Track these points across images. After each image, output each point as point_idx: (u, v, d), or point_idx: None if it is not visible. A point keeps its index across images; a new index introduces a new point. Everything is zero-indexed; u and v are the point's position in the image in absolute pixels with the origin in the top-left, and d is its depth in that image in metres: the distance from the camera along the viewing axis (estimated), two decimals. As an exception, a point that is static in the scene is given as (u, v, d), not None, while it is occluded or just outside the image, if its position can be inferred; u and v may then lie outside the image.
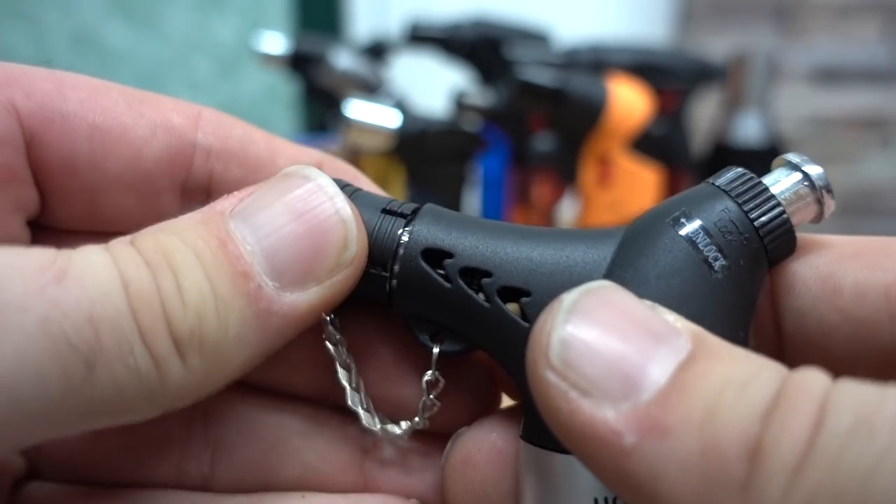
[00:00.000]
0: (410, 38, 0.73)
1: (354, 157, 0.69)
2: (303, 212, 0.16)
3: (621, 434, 0.12)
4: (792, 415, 0.12)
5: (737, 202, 0.16)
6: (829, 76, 1.57)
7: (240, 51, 1.70)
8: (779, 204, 0.16)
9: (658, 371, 0.13)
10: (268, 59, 0.75)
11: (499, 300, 0.17)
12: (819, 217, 0.17)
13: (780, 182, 0.16)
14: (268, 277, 0.15)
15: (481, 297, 0.17)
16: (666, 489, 0.12)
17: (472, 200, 0.71)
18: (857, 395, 0.12)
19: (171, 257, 0.15)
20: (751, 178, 0.16)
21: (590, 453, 0.13)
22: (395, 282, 0.17)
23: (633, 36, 0.82)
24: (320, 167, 0.19)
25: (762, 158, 0.66)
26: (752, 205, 0.16)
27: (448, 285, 0.17)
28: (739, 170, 0.17)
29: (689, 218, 0.16)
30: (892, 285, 0.16)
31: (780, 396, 0.12)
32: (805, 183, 0.16)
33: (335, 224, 0.16)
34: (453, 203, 0.59)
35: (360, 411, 0.18)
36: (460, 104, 0.64)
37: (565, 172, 0.62)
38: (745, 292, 0.16)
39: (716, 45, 1.50)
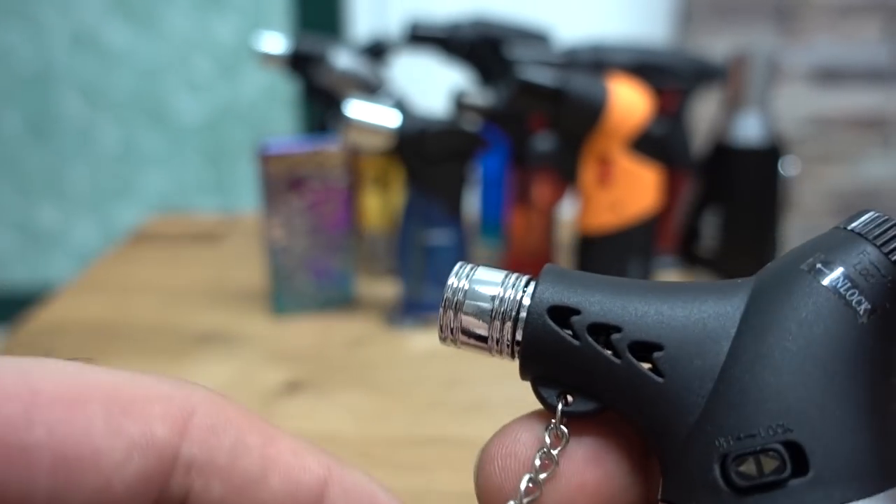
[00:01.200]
0: (410, 38, 0.73)
1: (354, 157, 0.69)
2: None
3: None
4: None
5: (875, 245, 0.15)
6: (829, 76, 1.57)
7: (240, 51, 1.70)
8: None
9: None
10: (268, 59, 0.75)
11: (630, 356, 0.16)
12: None
13: None
14: None
15: (611, 353, 0.16)
16: None
17: (473, 200, 0.71)
18: None
19: None
20: (886, 220, 0.16)
21: None
22: (520, 344, 0.17)
23: (633, 36, 0.82)
24: (324, 483, 0.18)
25: (762, 158, 0.66)
26: (892, 246, 0.15)
27: (577, 343, 0.17)
28: (872, 212, 0.16)
29: (827, 264, 0.16)
30: None
31: None
32: None
33: None
34: (453, 203, 0.59)
35: None
36: (460, 104, 0.64)
37: (565, 172, 0.62)
38: (892, 336, 0.15)
39: (716, 45, 1.50)
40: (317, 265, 0.62)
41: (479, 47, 0.72)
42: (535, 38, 0.73)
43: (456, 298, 0.18)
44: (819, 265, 0.16)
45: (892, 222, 0.16)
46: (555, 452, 0.17)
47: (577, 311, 0.17)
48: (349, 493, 0.18)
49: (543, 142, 0.66)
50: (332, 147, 0.60)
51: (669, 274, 0.70)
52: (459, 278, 0.18)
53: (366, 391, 0.51)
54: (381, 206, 0.70)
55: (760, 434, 0.14)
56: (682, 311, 0.16)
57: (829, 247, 0.16)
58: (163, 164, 1.79)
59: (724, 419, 0.15)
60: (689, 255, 0.70)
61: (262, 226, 0.62)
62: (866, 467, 0.14)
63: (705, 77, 0.66)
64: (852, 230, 0.16)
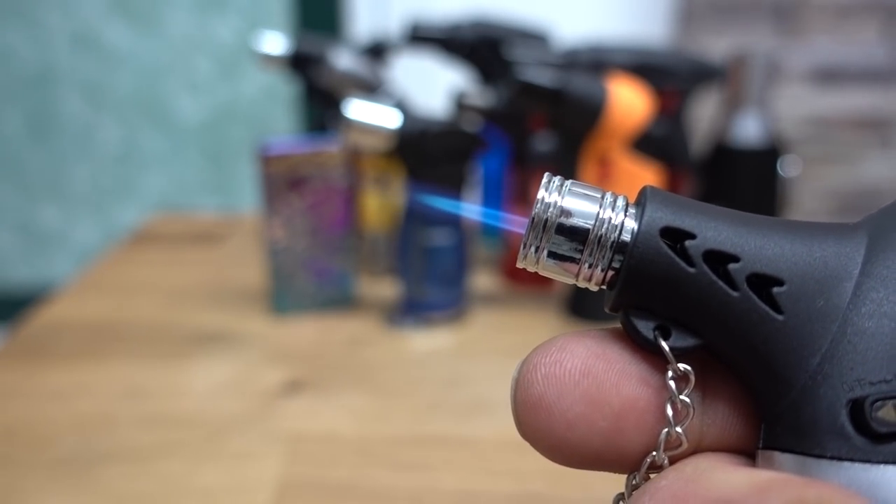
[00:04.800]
0: (410, 38, 0.73)
1: (354, 157, 0.69)
2: None
3: None
4: None
5: None
6: (829, 76, 1.57)
7: (240, 51, 1.70)
8: None
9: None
10: (268, 59, 0.75)
11: (748, 288, 0.15)
12: None
13: None
14: None
15: (727, 284, 0.15)
16: None
17: (472, 200, 0.71)
18: None
19: None
20: None
21: None
22: (620, 270, 0.16)
23: (633, 36, 0.82)
24: None
25: (762, 158, 0.66)
26: None
27: (691, 270, 0.15)
28: None
29: None
30: None
31: None
32: None
33: None
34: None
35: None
36: (460, 104, 0.64)
37: (565, 172, 0.62)
38: None
39: (716, 45, 1.50)
40: (317, 265, 0.63)
41: (479, 47, 0.72)
42: (535, 38, 0.73)
43: (548, 215, 0.16)
44: None
45: None
46: (686, 398, 0.16)
47: (692, 236, 0.15)
48: None
49: (543, 142, 0.66)
50: (332, 147, 0.60)
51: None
52: (551, 192, 0.16)
53: (366, 391, 0.51)
54: (381, 206, 0.70)
55: None
56: (802, 247, 0.15)
57: None
58: (163, 164, 1.79)
59: (852, 363, 0.14)
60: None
61: (263, 226, 0.62)
62: None
63: (705, 77, 0.66)
64: None
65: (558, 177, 0.16)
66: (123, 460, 0.43)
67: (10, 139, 1.77)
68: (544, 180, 0.16)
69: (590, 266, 0.16)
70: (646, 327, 0.16)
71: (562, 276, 0.16)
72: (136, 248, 0.81)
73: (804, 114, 1.58)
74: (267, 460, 0.43)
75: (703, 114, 0.92)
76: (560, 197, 0.16)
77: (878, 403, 0.14)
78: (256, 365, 0.55)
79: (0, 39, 1.70)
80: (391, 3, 1.64)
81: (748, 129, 0.65)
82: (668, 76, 0.63)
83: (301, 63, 0.74)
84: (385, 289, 0.68)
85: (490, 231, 0.78)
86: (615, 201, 0.16)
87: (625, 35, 0.78)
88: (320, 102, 0.76)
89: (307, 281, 0.62)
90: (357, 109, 0.54)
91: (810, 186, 1.60)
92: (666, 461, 0.16)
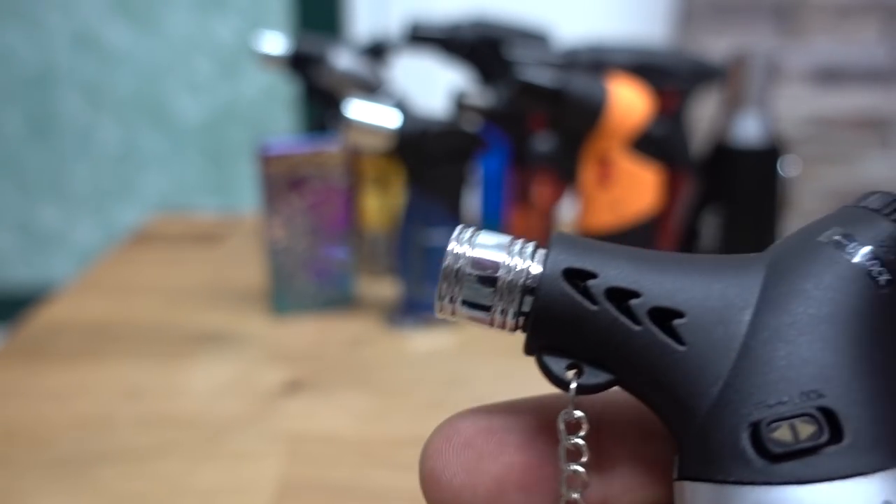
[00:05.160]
0: (410, 38, 0.73)
1: (354, 157, 0.69)
2: None
3: None
4: None
5: (890, 219, 0.16)
6: (829, 76, 1.57)
7: (240, 51, 1.70)
8: None
9: None
10: (268, 59, 0.75)
11: (650, 322, 0.15)
12: None
13: None
14: None
15: (629, 320, 0.15)
16: None
17: (473, 200, 0.71)
18: None
19: None
20: None
21: None
22: (529, 313, 0.16)
23: (633, 36, 0.82)
24: None
25: (762, 158, 0.66)
26: None
27: (594, 308, 0.16)
28: (881, 192, 0.17)
29: (846, 236, 0.16)
30: None
31: None
32: None
33: None
34: (453, 203, 0.59)
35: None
36: (460, 104, 0.64)
37: (565, 172, 0.62)
38: None
39: (716, 45, 1.50)
40: (317, 265, 0.62)
41: (479, 47, 0.72)
42: (535, 38, 0.73)
43: (458, 266, 0.16)
44: (837, 237, 0.16)
45: None
46: (580, 441, 0.16)
47: (594, 275, 0.16)
48: None
49: (543, 142, 0.66)
50: (332, 147, 0.60)
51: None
52: (461, 243, 0.17)
53: (366, 391, 0.51)
54: (381, 206, 0.70)
55: (793, 400, 0.14)
56: (702, 279, 0.16)
57: (845, 221, 0.16)
58: (163, 165, 1.79)
59: (751, 387, 0.14)
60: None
61: (263, 226, 0.62)
62: None
63: (705, 77, 0.66)
64: (866, 207, 0.16)
65: (470, 228, 0.17)
66: (123, 460, 0.43)
67: (10, 139, 1.77)
68: (456, 232, 0.17)
69: (502, 312, 0.16)
70: (558, 367, 0.16)
71: (478, 323, 0.17)
72: (136, 248, 0.81)
73: (804, 114, 1.58)
74: (267, 460, 0.43)
75: (703, 114, 0.92)
76: (470, 248, 0.16)
77: (774, 424, 0.14)
78: (256, 365, 0.55)
79: (0, 39, 1.70)
80: (391, 3, 1.64)
81: (748, 129, 0.65)
82: (668, 76, 0.63)
83: (301, 63, 0.74)
84: (385, 289, 0.68)
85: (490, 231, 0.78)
86: (523, 248, 0.17)
87: (625, 35, 0.78)
88: (320, 102, 0.76)
89: (307, 281, 0.62)
90: (357, 109, 0.54)
91: (810, 186, 1.60)
92: (576, 497, 0.17)
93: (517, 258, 0.16)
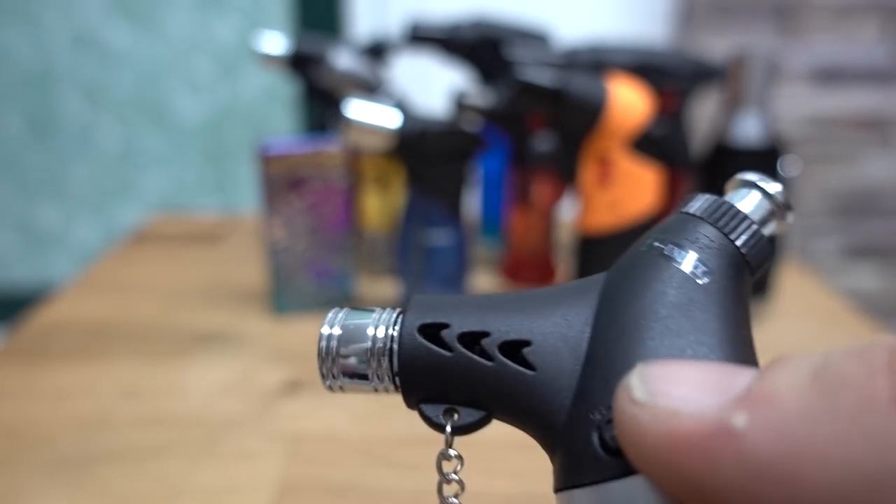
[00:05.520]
0: (410, 38, 0.73)
1: (354, 157, 0.69)
2: None
3: (729, 418, 0.12)
4: None
5: (716, 227, 0.17)
6: (829, 76, 1.57)
7: (240, 51, 1.70)
8: (753, 223, 0.18)
9: (744, 379, 0.13)
10: (268, 59, 0.75)
11: (501, 356, 0.17)
12: (785, 226, 0.18)
13: (746, 201, 0.18)
14: None
15: (484, 358, 0.17)
16: (806, 434, 0.11)
17: (473, 200, 0.71)
18: None
19: None
20: (723, 203, 0.18)
21: (700, 459, 0.12)
22: (399, 368, 0.18)
23: (633, 36, 0.82)
24: None
25: (762, 158, 0.66)
26: (729, 227, 0.17)
27: (450, 354, 0.17)
28: (710, 196, 0.18)
29: (666, 242, 0.17)
30: None
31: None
32: (768, 200, 0.18)
33: None
34: (453, 203, 0.59)
35: None
36: (460, 104, 0.64)
37: (565, 172, 0.62)
38: (734, 298, 0.17)
39: (716, 45, 1.50)
40: (317, 265, 0.62)
41: (479, 47, 0.72)
42: (535, 38, 0.73)
43: (331, 345, 0.18)
44: (657, 244, 0.17)
45: (729, 205, 0.18)
46: (456, 476, 0.18)
47: (446, 325, 0.18)
48: None
49: (543, 142, 0.66)
50: (332, 147, 0.60)
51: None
52: (331, 325, 0.18)
53: (366, 391, 0.51)
54: (381, 206, 0.70)
55: None
56: (545, 308, 0.17)
57: (668, 229, 0.18)
58: (163, 164, 1.79)
59: (595, 393, 0.16)
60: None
61: (263, 226, 0.62)
62: None
63: (705, 77, 0.66)
64: (694, 214, 0.18)
65: (343, 310, 0.19)
66: (123, 460, 0.43)
67: (10, 139, 1.77)
68: (327, 318, 0.19)
69: (379, 377, 0.18)
70: (434, 413, 0.18)
71: (363, 390, 0.19)
72: (135, 248, 0.81)
73: (804, 114, 1.58)
74: (267, 460, 0.43)
75: (703, 114, 0.92)
76: (339, 328, 0.18)
77: (611, 423, 0.15)
78: (256, 365, 0.55)
79: (0, 39, 1.70)
80: (391, 3, 1.64)
81: (748, 129, 0.65)
82: (668, 76, 0.63)
83: (301, 63, 0.74)
84: (385, 289, 0.68)
85: (490, 231, 0.78)
86: (388, 317, 0.18)
87: (625, 35, 0.78)
88: (320, 102, 0.76)
89: (307, 281, 0.62)
90: (357, 109, 0.54)
91: (810, 186, 1.60)
92: None
93: (382, 327, 0.18)
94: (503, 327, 0.17)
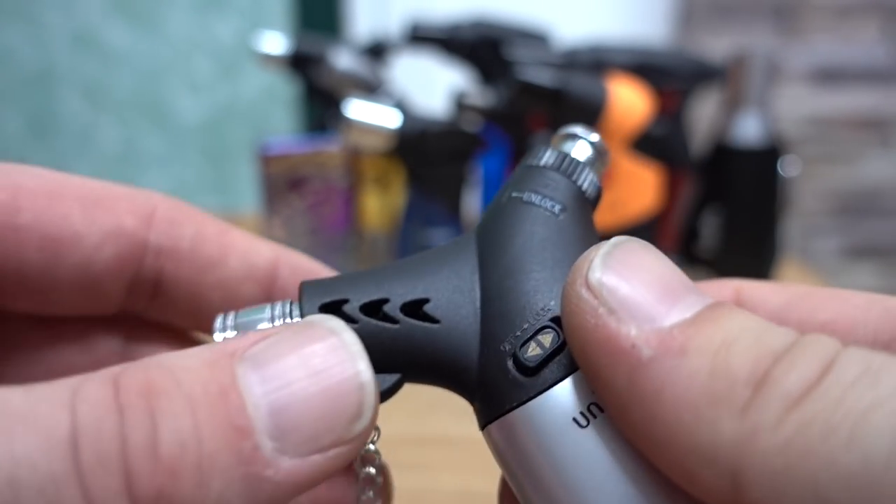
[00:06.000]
0: (410, 38, 0.73)
1: (354, 157, 0.69)
2: (319, 370, 0.14)
3: (640, 349, 0.14)
4: (802, 358, 0.13)
5: (560, 173, 0.20)
6: (829, 76, 1.57)
7: (240, 51, 1.70)
8: (586, 166, 0.20)
9: (684, 307, 0.14)
10: (268, 59, 0.75)
11: (405, 317, 0.18)
12: (605, 166, 0.21)
13: (577, 150, 0.20)
14: (268, 437, 0.13)
15: (389, 323, 0.18)
16: (669, 402, 0.13)
17: (473, 200, 0.71)
18: (866, 354, 0.12)
19: (155, 400, 0.13)
20: (561, 153, 0.20)
21: (605, 364, 0.14)
22: None
23: (633, 36, 0.82)
24: (275, 263, 0.21)
25: (762, 158, 0.66)
26: (570, 172, 0.20)
27: (355, 326, 0.18)
28: (549, 148, 0.20)
29: (523, 190, 0.19)
30: (827, 324, 0.18)
31: (793, 345, 0.13)
32: (592, 148, 0.21)
33: (352, 389, 0.15)
34: (453, 203, 0.59)
35: None
36: (460, 104, 0.64)
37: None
38: (586, 226, 0.20)
39: (716, 45, 1.50)
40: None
41: (479, 47, 0.72)
42: (535, 38, 0.73)
43: None
44: (516, 193, 0.19)
45: (561, 153, 0.20)
46: (373, 447, 0.20)
47: (345, 301, 0.18)
48: (298, 269, 0.21)
49: (543, 142, 0.66)
50: (332, 147, 0.60)
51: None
52: (224, 330, 0.18)
53: (366, 391, 0.51)
54: (381, 206, 0.70)
55: (530, 322, 0.17)
56: (433, 267, 0.19)
57: (522, 180, 0.20)
58: (163, 164, 1.79)
59: (499, 329, 0.17)
60: (689, 254, 0.70)
61: (262, 226, 0.62)
62: None
63: (705, 77, 0.66)
64: (537, 164, 0.20)
65: (230, 314, 0.19)
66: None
67: (10, 139, 1.77)
68: (216, 324, 0.18)
69: None
70: None
71: None
72: (136, 248, 0.81)
73: (804, 114, 1.58)
74: (267, 460, 0.43)
75: (703, 114, 0.92)
76: (232, 331, 0.18)
77: (524, 346, 0.17)
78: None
79: (0, 39, 1.70)
80: (391, 3, 1.64)
81: (748, 129, 0.65)
82: (668, 76, 0.63)
83: (301, 63, 0.74)
84: (385, 289, 0.68)
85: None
86: (282, 309, 0.19)
87: (625, 35, 0.78)
88: (320, 102, 0.76)
89: (307, 281, 0.62)
90: (357, 109, 0.54)
91: (810, 186, 1.60)
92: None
93: (279, 320, 0.18)
94: (400, 290, 0.18)
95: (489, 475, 0.42)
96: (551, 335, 0.17)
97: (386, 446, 0.48)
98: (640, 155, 0.56)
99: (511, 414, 0.16)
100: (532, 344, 0.17)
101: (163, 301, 0.21)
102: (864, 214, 1.64)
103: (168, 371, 0.13)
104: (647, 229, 0.58)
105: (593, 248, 0.16)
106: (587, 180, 0.20)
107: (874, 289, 1.64)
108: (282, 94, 1.72)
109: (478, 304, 0.18)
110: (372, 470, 0.20)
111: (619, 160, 0.56)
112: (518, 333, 0.17)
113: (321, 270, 0.22)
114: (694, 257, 0.69)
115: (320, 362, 0.15)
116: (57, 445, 0.12)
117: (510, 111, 0.63)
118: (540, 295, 0.17)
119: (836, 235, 1.65)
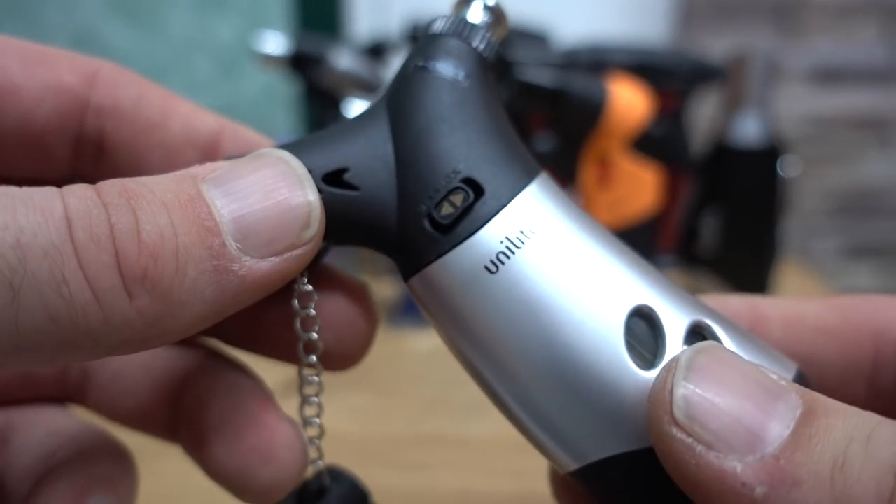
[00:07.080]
0: (410, 38, 0.73)
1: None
2: (272, 188, 0.17)
3: (752, 486, 0.13)
4: None
5: (459, 39, 0.20)
6: (829, 76, 1.57)
7: (240, 51, 1.70)
8: (484, 30, 0.21)
9: (779, 426, 0.14)
10: (268, 59, 0.75)
11: (327, 185, 0.19)
12: (505, 30, 0.22)
13: (472, 14, 0.21)
14: (232, 238, 0.16)
15: None
16: None
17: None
18: None
19: (135, 199, 0.15)
20: (458, 18, 0.21)
21: (720, 502, 0.14)
22: None
23: (633, 36, 0.82)
24: (219, 132, 0.22)
25: (762, 159, 0.66)
26: (469, 37, 0.20)
27: None
28: (445, 16, 0.21)
29: (426, 59, 0.20)
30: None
31: None
32: (489, 11, 0.21)
33: (301, 203, 0.17)
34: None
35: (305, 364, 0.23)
36: (460, 104, 0.64)
37: (565, 172, 0.62)
38: (490, 92, 0.20)
39: (716, 45, 1.50)
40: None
41: (479, 47, 0.72)
42: (535, 38, 0.73)
43: None
44: (420, 63, 0.20)
45: (461, 20, 0.20)
46: (312, 312, 0.21)
47: None
48: (241, 140, 0.22)
49: (543, 142, 0.66)
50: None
51: (670, 274, 0.70)
52: None
53: (366, 391, 0.51)
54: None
55: (443, 184, 0.18)
56: (348, 137, 0.20)
57: (424, 50, 0.20)
58: (163, 164, 1.79)
59: (416, 190, 0.19)
60: (688, 254, 0.70)
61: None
62: (516, 170, 0.19)
63: (705, 77, 0.66)
64: (440, 33, 0.20)
65: None
66: (123, 460, 0.43)
67: (10, 139, 1.77)
68: None
69: None
70: None
71: None
72: (136, 248, 0.81)
73: (804, 114, 1.58)
74: (267, 460, 0.43)
75: (703, 114, 0.93)
76: None
77: (438, 206, 0.18)
78: (256, 365, 0.55)
79: (0, 39, 1.70)
80: (391, 3, 1.64)
81: (748, 129, 0.65)
82: (668, 76, 0.63)
83: (301, 63, 0.74)
84: (385, 289, 0.68)
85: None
86: None
87: (625, 35, 0.78)
88: (320, 102, 0.76)
89: (307, 281, 0.62)
90: (357, 109, 0.54)
91: (810, 186, 1.60)
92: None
93: None
94: (320, 162, 0.19)
95: (489, 475, 0.42)
96: (462, 195, 0.18)
97: (386, 446, 0.48)
98: (640, 155, 0.56)
99: (430, 266, 0.18)
100: (445, 204, 0.18)
101: (107, 164, 0.21)
102: (863, 214, 1.64)
103: (141, 183, 0.15)
104: (646, 229, 0.58)
105: (664, 374, 0.15)
106: (484, 43, 0.21)
107: (874, 289, 1.64)
108: (282, 94, 1.72)
109: (393, 168, 0.19)
110: (314, 358, 0.23)
111: (619, 160, 0.56)
112: (432, 195, 0.18)
113: (264, 142, 0.22)
114: (694, 257, 0.69)
115: (273, 182, 0.17)
116: (53, 221, 0.14)
117: (510, 111, 0.63)
118: (450, 158, 0.19)
119: (836, 235, 1.65)
